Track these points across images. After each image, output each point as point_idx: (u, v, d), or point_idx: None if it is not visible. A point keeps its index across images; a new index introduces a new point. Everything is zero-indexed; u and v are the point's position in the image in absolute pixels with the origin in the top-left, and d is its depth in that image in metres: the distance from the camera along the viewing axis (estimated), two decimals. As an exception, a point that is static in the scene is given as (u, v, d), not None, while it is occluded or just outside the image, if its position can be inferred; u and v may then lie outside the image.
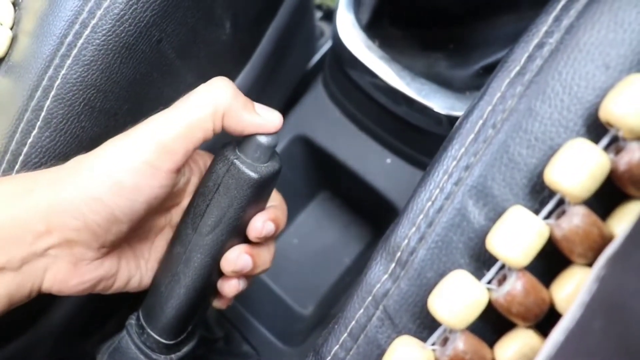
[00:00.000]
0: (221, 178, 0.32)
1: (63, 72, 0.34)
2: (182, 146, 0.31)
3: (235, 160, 0.32)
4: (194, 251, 0.34)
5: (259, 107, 0.33)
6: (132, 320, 0.38)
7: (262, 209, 0.35)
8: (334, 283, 0.57)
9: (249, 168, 0.31)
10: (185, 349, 0.38)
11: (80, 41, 0.33)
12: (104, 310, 0.49)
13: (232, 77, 0.46)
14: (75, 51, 0.33)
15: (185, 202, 0.36)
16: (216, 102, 0.31)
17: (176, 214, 0.36)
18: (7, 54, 0.36)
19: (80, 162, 0.31)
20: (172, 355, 0.37)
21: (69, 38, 0.33)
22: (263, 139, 0.31)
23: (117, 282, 0.35)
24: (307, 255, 0.59)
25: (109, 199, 0.30)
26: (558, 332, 0.20)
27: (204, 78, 0.42)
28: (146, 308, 0.37)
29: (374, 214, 0.57)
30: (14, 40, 0.36)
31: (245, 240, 0.35)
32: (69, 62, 0.34)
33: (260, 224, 0.34)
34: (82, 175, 0.30)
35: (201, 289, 0.35)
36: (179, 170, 0.32)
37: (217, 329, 0.54)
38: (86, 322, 0.47)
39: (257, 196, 0.33)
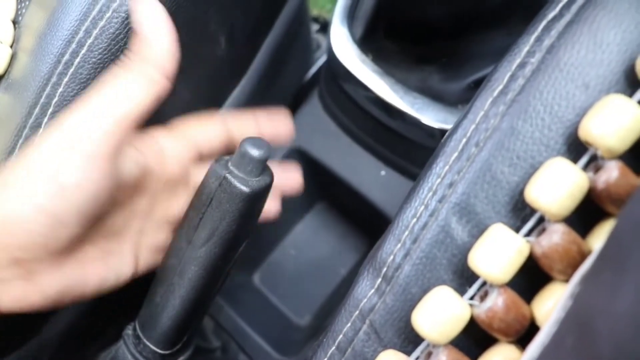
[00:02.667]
0: (213, 192, 0.33)
1: (60, 90, 0.34)
2: (117, 126, 0.30)
3: (227, 174, 0.32)
4: (188, 263, 0.34)
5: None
6: (128, 331, 0.39)
7: (256, 221, 0.36)
8: (331, 293, 0.58)
9: (241, 182, 0.32)
10: (181, 359, 0.39)
11: (77, 60, 0.34)
12: (103, 321, 0.50)
13: (229, 91, 0.47)
14: (72, 69, 0.34)
15: (152, 187, 0.35)
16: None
17: (144, 199, 0.35)
18: (6, 71, 0.37)
19: (8, 169, 0.29)
20: (168, 366, 0.38)
21: (66, 57, 0.34)
22: (255, 153, 0.32)
23: (89, 286, 0.33)
24: (303, 266, 0.59)
25: (50, 205, 0.28)
26: (534, 348, 0.20)
27: (200, 94, 0.43)
28: (142, 318, 0.37)
29: (369, 225, 0.57)
30: (13, 57, 0.37)
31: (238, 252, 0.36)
32: (66, 80, 0.34)
33: None
34: (11, 179, 0.29)
35: (196, 299, 0.35)
36: (120, 155, 0.30)
37: (213, 339, 0.55)
38: (85, 332, 0.48)
39: (249, 209, 0.33)
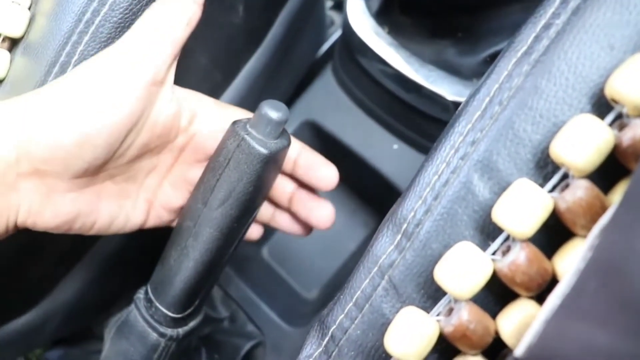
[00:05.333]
0: (232, 153, 0.33)
1: (80, 48, 0.34)
2: (174, 50, 0.31)
3: (245, 135, 0.32)
4: (203, 225, 0.34)
5: None
6: (140, 294, 0.39)
7: (271, 185, 0.36)
8: (339, 268, 0.58)
9: (259, 144, 0.32)
10: (191, 324, 0.39)
11: (98, 18, 0.34)
12: (113, 287, 0.50)
13: (244, 61, 0.47)
14: (92, 28, 0.34)
15: (178, 140, 0.36)
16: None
17: (169, 154, 0.36)
18: (25, 33, 0.36)
19: (55, 84, 0.31)
20: (179, 329, 0.38)
21: (87, 15, 0.34)
22: (274, 115, 0.32)
23: (98, 221, 0.34)
24: (312, 240, 0.59)
25: (83, 123, 0.29)
26: (554, 298, 0.20)
27: (217, 60, 0.43)
28: (155, 281, 0.38)
29: (380, 200, 0.57)
30: (31, 20, 0.36)
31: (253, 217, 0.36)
32: (86, 38, 0.34)
33: None
34: (53, 94, 0.30)
35: (209, 262, 0.36)
36: (160, 84, 0.32)
37: (222, 308, 0.55)
38: (95, 299, 0.48)
39: (266, 172, 0.33)
